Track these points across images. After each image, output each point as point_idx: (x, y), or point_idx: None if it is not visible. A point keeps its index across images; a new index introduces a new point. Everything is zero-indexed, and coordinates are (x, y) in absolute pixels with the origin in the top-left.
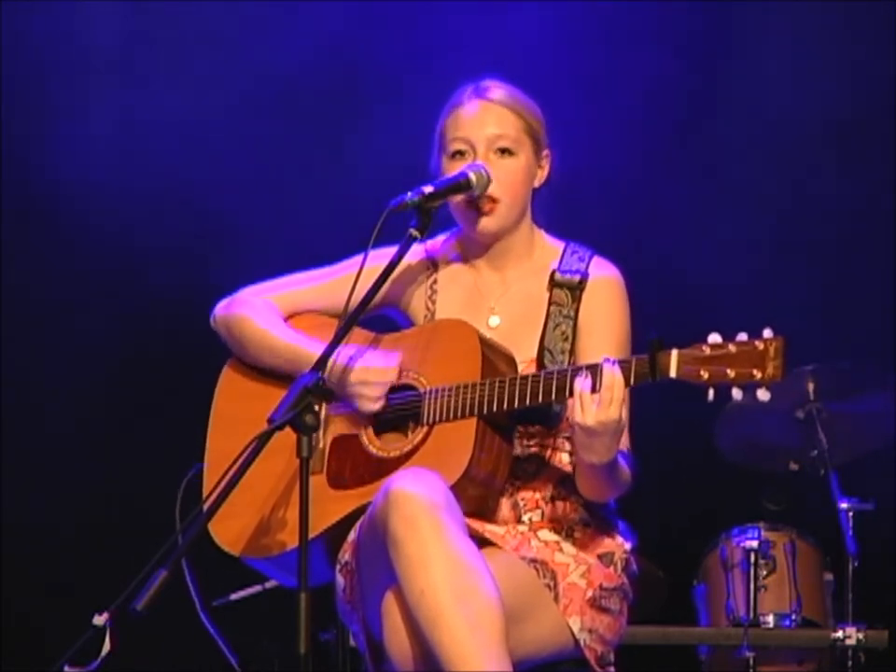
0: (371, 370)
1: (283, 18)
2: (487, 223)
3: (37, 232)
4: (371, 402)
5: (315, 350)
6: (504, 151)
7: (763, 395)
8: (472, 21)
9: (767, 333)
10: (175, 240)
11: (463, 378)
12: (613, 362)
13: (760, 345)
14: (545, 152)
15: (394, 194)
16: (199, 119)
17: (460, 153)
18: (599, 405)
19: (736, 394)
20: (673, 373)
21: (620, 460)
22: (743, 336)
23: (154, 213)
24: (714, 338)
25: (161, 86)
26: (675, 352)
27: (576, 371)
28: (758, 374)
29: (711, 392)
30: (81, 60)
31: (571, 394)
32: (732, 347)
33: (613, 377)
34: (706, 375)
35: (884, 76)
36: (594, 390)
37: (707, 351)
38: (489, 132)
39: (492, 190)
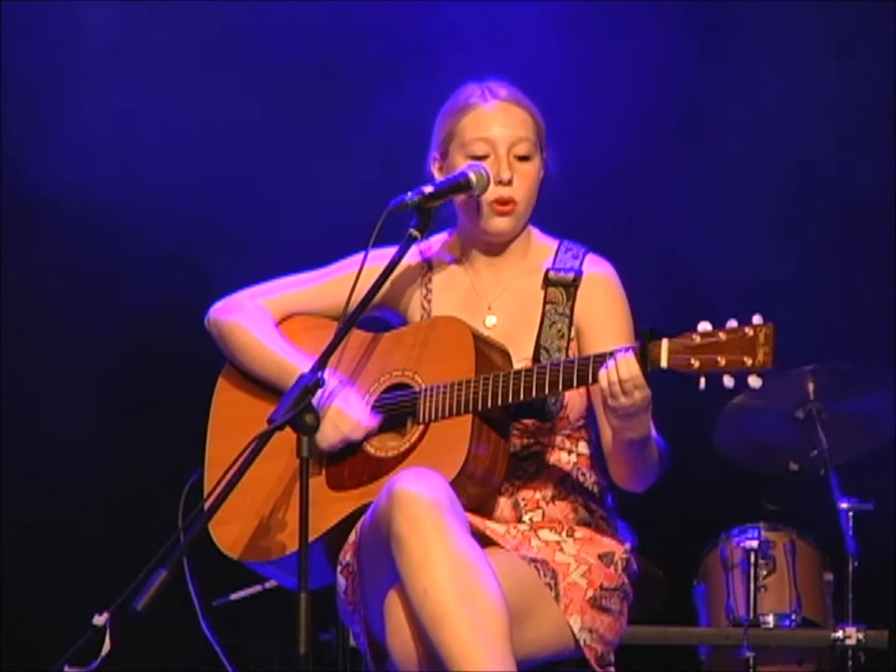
0: (346, 419)
1: (283, 15)
2: (503, 224)
3: (37, 233)
4: (327, 444)
5: (303, 366)
6: (523, 158)
7: (754, 382)
8: (472, 14)
9: (757, 319)
10: (174, 240)
11: (458, 375)
12: (627, 349)
13: (749, 332)
14: (544, 153)
15: (393, 193)
16: (199, 118)
17: (483, 156)
18: (625, 394)
19: (728, 382)
20: (664, 363)
21: (653, 437)
22: (733, 323)
23: (154, 213)
24: (704, 326)
25: (161, 84)
26: (665, 341)
27: (569, 364)
28: (749, 361)
29: (703, 381)
30: (80, 59)
31: (565, 388)
32: (722, 335)
33: (629, 368)
34: (696, 364)
35: (885, 74)
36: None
37: (697, 339)
38: (511, 133)
39: (513, 192)
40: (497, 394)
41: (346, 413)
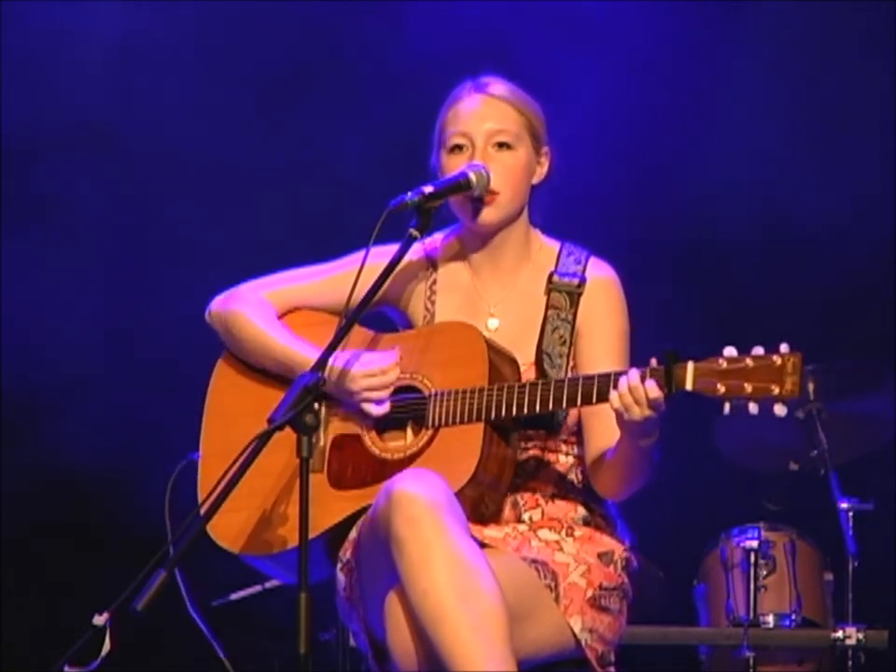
0: (373, 371)
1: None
2: (488, 214)
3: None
4: (378, 406)
5: (309, 354)
6: (502, 145)
7: (779, 410)
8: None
9: (784, 348)
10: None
11: (470, 382)
12: (641, 374)
13: (777, 360)
14: (545, 149)
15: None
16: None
17: (458, 147)
18: (640, 406)
19: (753, 409)
20: (689, 386)
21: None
22: (759, 350)
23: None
24: (730, 351)
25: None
26: (691, 364)
27: (588, 379)
28: (776, 390)
29: (727, 406)
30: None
31: (584, 403)
32: (749, 361)
33: (651, 389)
34: (722, 389)
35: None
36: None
37: (724, 364)
38: (488, 126)
39: (492, 184)
40: (512, 404)
41: (370, 369)
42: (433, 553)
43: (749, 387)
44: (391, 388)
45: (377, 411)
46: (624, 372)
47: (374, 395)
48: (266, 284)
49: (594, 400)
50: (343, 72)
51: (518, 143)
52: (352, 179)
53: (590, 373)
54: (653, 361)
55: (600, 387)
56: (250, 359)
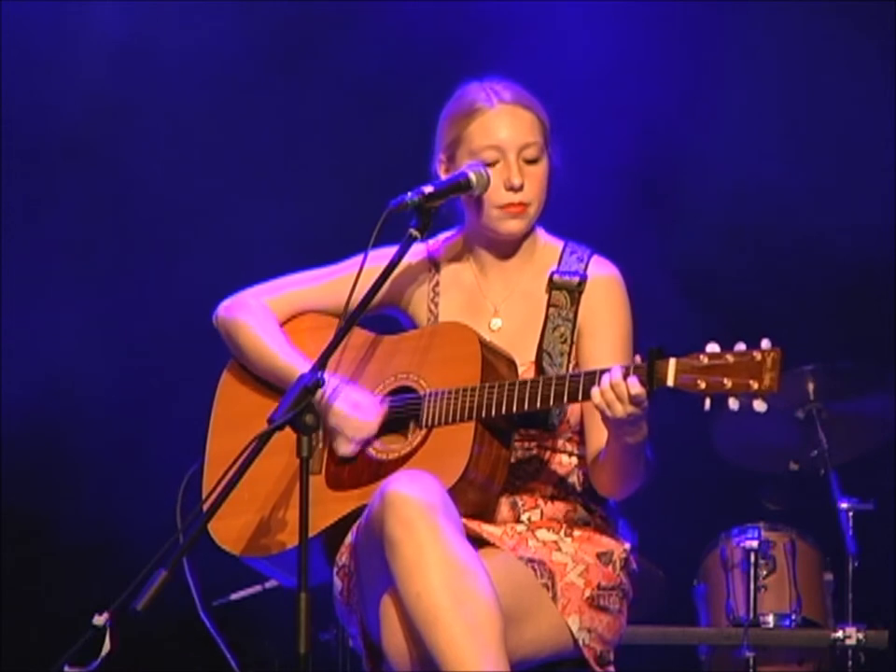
0: (352, 420)
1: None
2: (515, 226)
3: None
4: (345, 448)
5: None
6: (532, 161)
7: (759, 406)
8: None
9: (765, 344)
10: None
11: (463, 381)
12: (630, 366)
13: (757, 356)
14: (550, 149)
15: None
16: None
17: (493, 162)
18: (623, 402)
19: (733, 404)
20: (671, 382)
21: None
22: (741, 346)
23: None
24: (712, 347)
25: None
26: (672, 361)
27: (575, 377)
28: (755, 385)
29: (708, 401)
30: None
31: (570, 400)
32: (729, 357)
33: (631, 385)
34: (703, 385)
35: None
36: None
37: (705, 360)
38: (519, 139)
39: (524, 197)
40: (501, 403)
41: (350, 416)
42: (427, 555)
43: (728, 383)
44: (363, 441)
45: (344, 450)
46: (608, 370)
47: (345, 438)
48: (269, 289)
49: (579, 398)
50: (343, 72)
51: (542, 153)
52: (355, 179)
53: (576, 371)
54: (637, 358)
55: (585, 385)
56: (251, 369)
